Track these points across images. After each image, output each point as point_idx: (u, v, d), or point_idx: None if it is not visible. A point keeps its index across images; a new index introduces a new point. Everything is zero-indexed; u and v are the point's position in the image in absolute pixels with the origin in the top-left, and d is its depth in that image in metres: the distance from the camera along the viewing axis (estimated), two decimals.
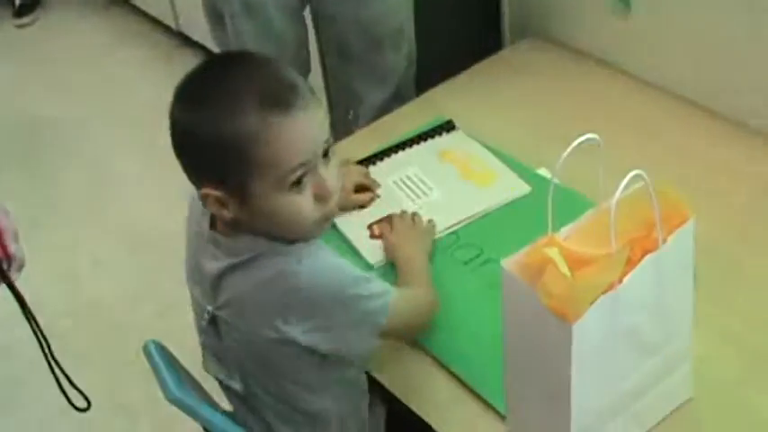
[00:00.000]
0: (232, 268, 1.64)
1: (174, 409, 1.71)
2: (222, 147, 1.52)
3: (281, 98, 1.53)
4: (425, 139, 2.36)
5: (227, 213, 1.60)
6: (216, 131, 1.52)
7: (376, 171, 2.26)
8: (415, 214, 2.08)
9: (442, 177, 2.24)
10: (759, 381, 1.72)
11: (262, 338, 1.64)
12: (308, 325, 1.62)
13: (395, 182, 2.23)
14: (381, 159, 2.31)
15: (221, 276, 1.65)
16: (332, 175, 1.60)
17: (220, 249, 1.65)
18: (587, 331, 1.36)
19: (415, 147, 2.34)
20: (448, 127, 2.38)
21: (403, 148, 2.34)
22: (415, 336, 1.84)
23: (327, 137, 1.60)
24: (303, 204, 1.57)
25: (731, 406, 1.69)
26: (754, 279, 1.92)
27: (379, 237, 2.07)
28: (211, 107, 1.53)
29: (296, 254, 1.61)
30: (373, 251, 2.05)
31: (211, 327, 1.73)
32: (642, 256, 1.40)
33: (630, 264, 1.39)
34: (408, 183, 2.23)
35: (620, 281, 1.37)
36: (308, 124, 1.55)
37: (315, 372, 1.70)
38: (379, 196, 2.20)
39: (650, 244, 1.41)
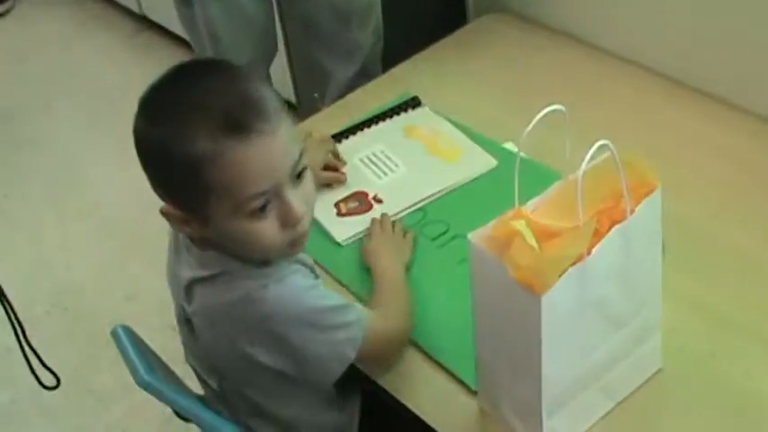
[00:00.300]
0: (201, 280, 1.60)
1: (146, 393, 1.69)
2: (178, 167, 1.46)
3: (241, 120, 1.43)
4: (391, 116, 2.35)
5: (190, 231, 1.57)
6: (171, 150, 1.45)
7: (342, 149, 2.25)
8: (395, 221, 2.02)
9: (408, 154, 2.23)
10: (729, 351, 1.72)
11: (230, 353, 1.63)
12: (272, 351, 1.59)
13: (361, 159, 2.22)
14: (347, 137, 2.30)
15: (191, 285, 1.62)
16: (302, 198, 1.52)
17: (193, 258, 1.61)
18: (556, 303, 1.35)
19: (381, 124, 2.33)
20: (413, 103, 2.38)
21: (368, 126, 2.33)
22: (386, 363, 1.77)
23: (297, 159, 1.50)
24: (266, 231, 1.50)
25: (701, 377, 1.69)
26: (723, 250, 1.92)
27: (346, 215, 2.07)
28: (170, 124, 1.46)
29: (263, 278, 1.56)
30: (341, 229, 2.04)
31: (187, 326, 1.70)
32: (610, 227, 1.40)
33: (598, 235, 1.38)
34: (375, 160, 2.22)
35: (589, 252, 1.36)
36: (269, 151, 1.46)
37: (285, 386, 1.68)
38: (344, 180, 2.18)
39: (618, 215, 1.41)
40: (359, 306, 1.67)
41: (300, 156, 1.51)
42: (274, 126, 1.46)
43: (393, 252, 1.92)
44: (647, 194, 1.44)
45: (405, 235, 1.99)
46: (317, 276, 1.71)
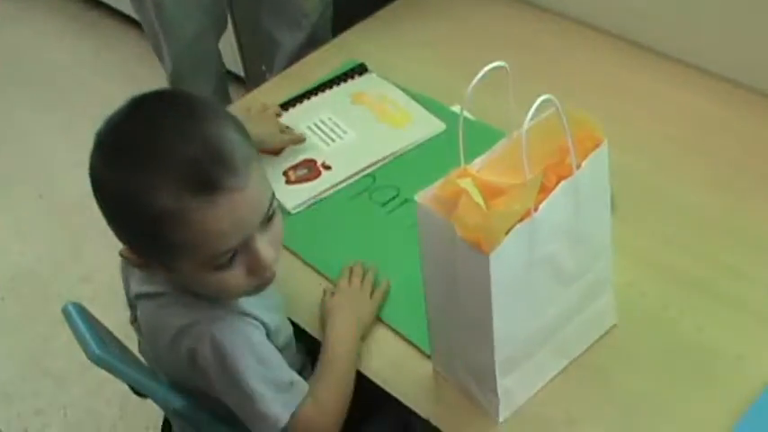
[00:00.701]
0: (145, 296, 1.57)
1: (104, 373, 1.67)
2: (138, 220, 1.37)
3: (208, 177, 1.33)
4: (338, 84, 2.33)
5: (152, 272, 1.52)
6: (131, 202, 1.36)
7: (289, 117, 2.22)
8: (366, 273, 1.83)
9: (355, 120, 2.21)
10: (681, 303, 1.73)
11: (166, 367, 1.63)
12: (195, 385, 1.58)
13: (309, 127, 2.19)
14: (294, 106, 2.27)
15: (137, 298, 1.60)
16: (270, 241, 1.45)
17: (142, 273, 1.57)
18: (505, 261, 1.34)
19: (328, 91, 2.31)
20: (360, 70, 2.35)
21: (315, 94, 2.30)
22: None
23: (268, 206, 1.43)
24: (233, 280, 1.44)
25: (655, 330, 1.70)
26: (672, 204, 1.93)
27: (295, 182, 2.05)
28: (130, 172, 1.36)
29: (207, 315, 1.52)
30: (290, 197, 2.01)
31: (136, 324, 1.68)
32: (557, 183, 1.39)
33: (546, 191, 1.37)
34: (322, 127, 2.19)
35: (536, 209, 1.35)
36: (239, 208, 1.36)
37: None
38: (304, 139, 2.15)
39: (565, 170, 1.40)
40: (298, 391, 1.58)
41: (271, 200, 1.45)
42: (244, 180, 1.36)
43: (352, 315, 1.74)
44: (593, 149, 1.43)
45: (373, 292, 1.80)
46: (268, 332, 1.60)
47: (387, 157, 2.09)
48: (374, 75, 2.34)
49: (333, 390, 1.64)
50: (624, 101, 2.18)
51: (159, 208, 1.33)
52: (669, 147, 2.06)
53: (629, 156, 1.90)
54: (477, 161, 1.40)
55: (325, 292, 1.81)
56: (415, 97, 2.24)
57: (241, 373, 1.51)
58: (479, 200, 1.30)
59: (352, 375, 1.67)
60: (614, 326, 1.69)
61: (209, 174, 1.33)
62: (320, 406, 1.60)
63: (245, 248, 1.42)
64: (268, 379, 1.54)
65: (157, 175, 1.33)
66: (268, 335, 1.60)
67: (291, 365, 1.69)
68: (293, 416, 1.55)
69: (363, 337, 1.73)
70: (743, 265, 1.79)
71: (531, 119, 1.29)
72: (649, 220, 1.89)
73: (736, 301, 1.73)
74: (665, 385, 1.61)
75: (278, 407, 1.54)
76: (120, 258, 1.61)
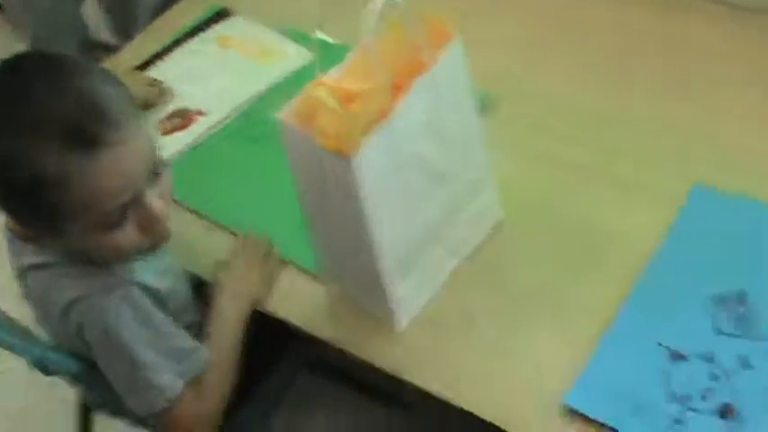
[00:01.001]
0: (35, 267, 1.52)
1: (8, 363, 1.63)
2: (19, 188, 1.32)
3: (87, 132, 1.28)
4: (203, 30, 2.29)
5: (40, 244, 1.48)
6: (10, 170, 1.30)
7: (156, 71, 2.19)
8: (259, 245, 1.76)
9: (224, 63, 2.19)
10: (566, 191, 1.76)
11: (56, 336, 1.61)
12: (82, 354, 1.57)
13: (178, 78, 2.16)
14: (161, 59, 2.23)
15: (28, 270, 1.54)
16: (162, 196, 1.42)
17: (24, 246, 1.53)
18: (370, 163, 1.34)
19: (192, 41, 2.27)
20: (224, 14, 2.33)
21: (180, 45, 2.27)
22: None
23: (155, 159, 1.39)
24: (126, 239, 1.40)
25: (543, 220, 1.72)
26: (546, 97, 1.95)
27: (170, 132, 2.02)
28: (5, 139, 1.30)
29: (97, 286, 1.48)
30: (166, 147, 1.95)
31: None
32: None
33: (403, 90, 1.37)
34: (191, 75, 2.16)
35: (394, 108, 1.35)
36: (124, 162, 1.32)
37: None
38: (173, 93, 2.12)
39: (420, 68, 1.39)
40: (195, 359, 1.56)
41: (156, 152, 1.41)
42: (126, 132, 1.32)
43: (247, 282, 1.71)
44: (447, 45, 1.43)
45: (270, 255, 1.75)
46: (162, 298, 1.58)
47: (258, 92, 2.08)
48: (239, 17, 2.32)
49: (214, 376, 1.60)
50: (489, 2, 2.18)
51: (40, 172, 1.28)
52: (532, 43, 2.08)
53: (500, 57, 1.92)
54: (332, 72, 1.39)
55: (216, 263, 1.75)
56: (282, 32, 2.22)
57: (126, 344, 1.48)
58: (336, 106, 1.30)
59: (236, 357, 1.64)
60: (502, 221, 1.69)
61: (87, 129, 1.29)
62: (201, 394, 1.58)
63: (136, 205, 1.38)
64: (160, 348, 1.52)
65: (33, 136, 1.28)
66: (162, 301, 1.58)
67: (192, 324, 1.68)
68: (170, 406, 1.53)
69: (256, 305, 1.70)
70: (622, 146, 1.82)
71: (378, 20, 1.29)
72: (525, 115, 1.90)
73: (618, 181, 1.76)
74: (557, 273, 1.63)
75: (169, 376, 1.52)
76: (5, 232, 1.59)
